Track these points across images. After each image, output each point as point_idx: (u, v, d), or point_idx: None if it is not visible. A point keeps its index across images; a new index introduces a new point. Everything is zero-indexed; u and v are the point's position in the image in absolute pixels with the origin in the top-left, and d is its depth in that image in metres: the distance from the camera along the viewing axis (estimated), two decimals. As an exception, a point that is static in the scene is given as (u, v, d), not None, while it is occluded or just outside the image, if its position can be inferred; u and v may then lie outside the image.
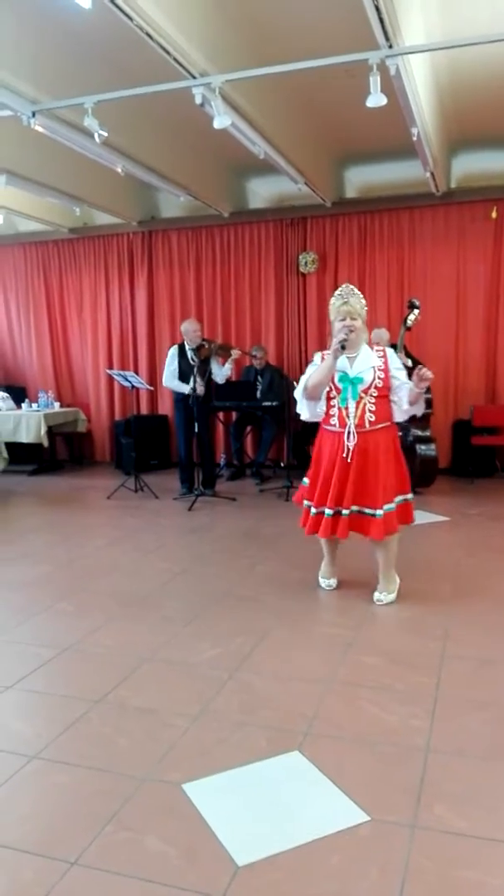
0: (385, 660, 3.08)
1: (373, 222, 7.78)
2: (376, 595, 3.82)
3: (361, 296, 3.71)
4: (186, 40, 3.96)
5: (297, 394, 3.83)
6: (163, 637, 3.38)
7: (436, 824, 1.98)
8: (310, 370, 3.79)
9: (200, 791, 2.15)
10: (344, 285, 3.77)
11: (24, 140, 5.62)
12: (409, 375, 3.73)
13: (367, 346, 3.74)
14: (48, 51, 4.53)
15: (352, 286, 3.74)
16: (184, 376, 6.57)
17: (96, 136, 4.71)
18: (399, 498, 3.75)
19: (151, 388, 8.14)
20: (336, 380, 3.69)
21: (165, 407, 8.74)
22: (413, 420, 6.50)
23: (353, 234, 7.86)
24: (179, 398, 6.69)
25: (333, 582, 4.06)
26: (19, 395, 8.83)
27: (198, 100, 4.38)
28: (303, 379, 3.81)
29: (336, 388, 3.70)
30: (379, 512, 3.64)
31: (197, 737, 2.47)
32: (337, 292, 3.72)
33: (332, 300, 3.71)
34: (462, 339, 7.63)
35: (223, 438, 8.45)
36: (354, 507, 3.68)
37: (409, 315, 6.33)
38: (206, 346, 6.66)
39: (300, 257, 7.99)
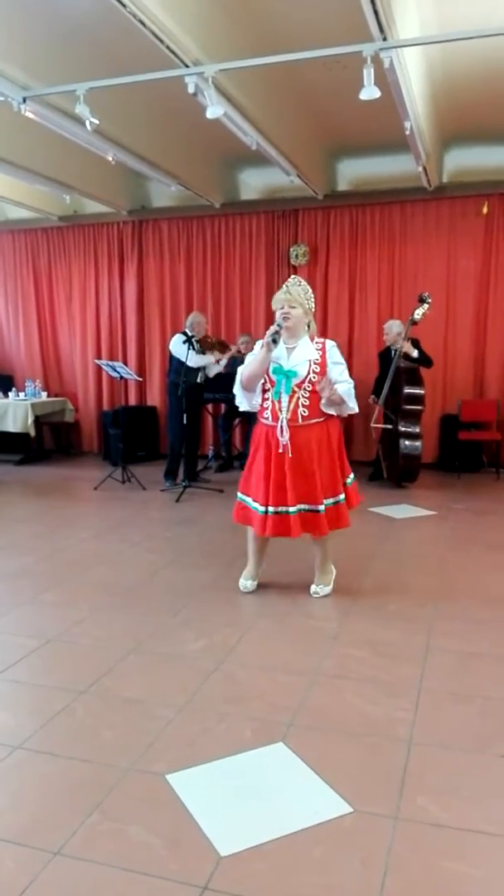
0: (370, 652, 3.09)
1: (364, 216, 7.77)
2: (314, 588, 3.83)
3: (308, 288, 3.64)
4: (180, 29, 3.93)
5: (235, 384, 3.74)
6: (148, 628, 3.38)
7: (418, 816, 2.00)
8: (248, 359, 3.69)
9: (184, 781, 2.16)
10: (291, 277, 3.71)
11: (15, 126, 5.56)
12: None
13: (308, 339, 3.62)
14: (40, 37, 4.48)
15: (299, 278, 3.68)
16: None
17: (87, 123, 4.67)
18: (331, 500, 3.64)
19: (140, 379, 8.10)
20: (270, 371, 3.59)
21: (154, 398, 8.71)
22: (404, 416, 6.56)
23: (345, 227, 7.85)
24: (174, 388, 6.63)
25: (252, 584, 3.88)
26: (6, 383, 8.79)
27: (190, 89, 4.35)
28: (240, 369, 3.71)
29: (270, 381, 3.60)
30: (320, 507, 3.58)
31: (182, 727, 2.48)
32: (284, 283, 3.65)
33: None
34: (451, 334, 7.65)
35: (212, 430, 8.44)
36: (302, 506, 3.59)
37: (416, 309, 6.27)
38: (210, 340, 6.69)
39: (291, 249, 7.97)
